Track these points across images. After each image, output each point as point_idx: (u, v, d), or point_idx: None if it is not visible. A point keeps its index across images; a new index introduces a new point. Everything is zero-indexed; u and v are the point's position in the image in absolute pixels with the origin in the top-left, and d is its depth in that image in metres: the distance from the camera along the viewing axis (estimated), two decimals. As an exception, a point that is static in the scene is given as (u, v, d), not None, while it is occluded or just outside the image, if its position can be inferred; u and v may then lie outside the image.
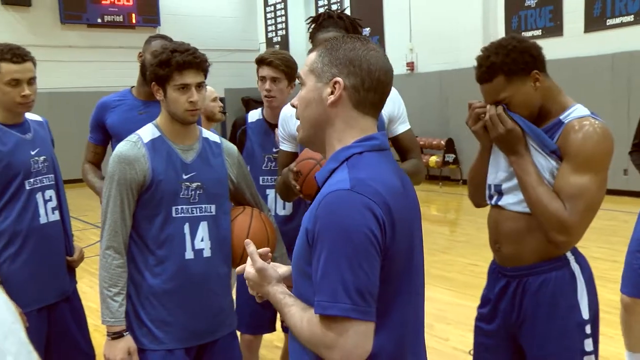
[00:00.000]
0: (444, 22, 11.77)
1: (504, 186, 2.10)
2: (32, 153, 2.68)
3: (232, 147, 2.46)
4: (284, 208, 3.03)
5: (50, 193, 2.73)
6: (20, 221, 2.61)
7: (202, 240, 2.25)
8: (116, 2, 14.81)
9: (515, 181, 2.04)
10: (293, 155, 2.60)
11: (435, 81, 12.10)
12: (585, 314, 2.01)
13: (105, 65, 14.05)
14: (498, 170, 2.13)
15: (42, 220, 2.68)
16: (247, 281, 1.54)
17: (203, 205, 2.26)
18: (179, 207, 2.22)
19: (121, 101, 3.13)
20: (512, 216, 2.07)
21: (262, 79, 2.98)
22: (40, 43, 12.46)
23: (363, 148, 1.39)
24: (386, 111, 2.49)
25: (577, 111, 1.99)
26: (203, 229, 2.25)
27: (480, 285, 2.31)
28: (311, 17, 2.61)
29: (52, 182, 2.76)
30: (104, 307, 2.19)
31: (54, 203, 2.74)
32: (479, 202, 2.29)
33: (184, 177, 2.23)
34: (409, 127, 2.58)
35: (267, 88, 2.95)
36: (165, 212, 2.20)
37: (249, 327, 3.16)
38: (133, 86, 3.20)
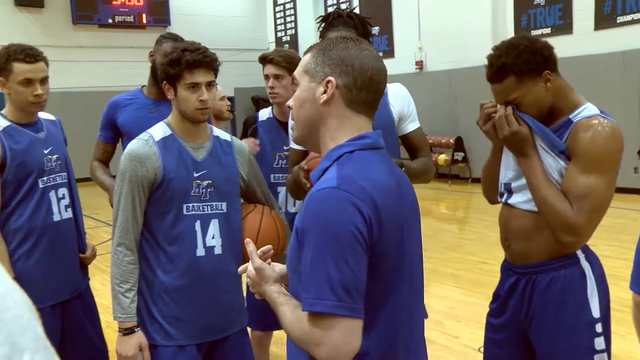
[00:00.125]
0: (453, 20, 11.72)
1: (513, 185, 2.10)
2: (45, 152, 2.71)
3: (243, 145, 2.47)
4: (294, 205, 3.05)
5: (63, 191, 2.77)
6: (34, 219, 2.64)
7: (213, 238, 2.26)
8: (127, 2, 14.87)
9: (523, 180, 2.04)
10: (303, 154, 2.60)
11: (444, 80, 12.06)
12: (596, 313, 2.00)
13: (116, 65, 14.13)
14: (508, 169, 2.13)
15: (56, 218, 2.71)
16: (247, 280, 1.56)
17: (214, 203, 2.27)
18: (190, 204, 2.23)
19: (132, 100, 3.15)
20: (521, 214, 2.07)
21: (266, 77, 3.02)
22: (53, 43, 12.55)
23: (355, 147, 1.40)
24: (396, 109, 2.50)
25: (586, 110, 1.97)
26: (214, 227, 2.26)
27: (490, 283, 2.32)
28: (321, 16, 2.62)
29: (65, 181, 2.79)
30: (116, 303, 2.22)
31: (67, 201, 2.78)
32: (493, 199, 2.29)
33: (195, 175, 2.24)
34: (418, 125, 2.59)
35: (270, 85, 2.99)
36: (177, 209, 2.22)
37: (260, 324, 3.17)
38: (144, 85, 3.21)
